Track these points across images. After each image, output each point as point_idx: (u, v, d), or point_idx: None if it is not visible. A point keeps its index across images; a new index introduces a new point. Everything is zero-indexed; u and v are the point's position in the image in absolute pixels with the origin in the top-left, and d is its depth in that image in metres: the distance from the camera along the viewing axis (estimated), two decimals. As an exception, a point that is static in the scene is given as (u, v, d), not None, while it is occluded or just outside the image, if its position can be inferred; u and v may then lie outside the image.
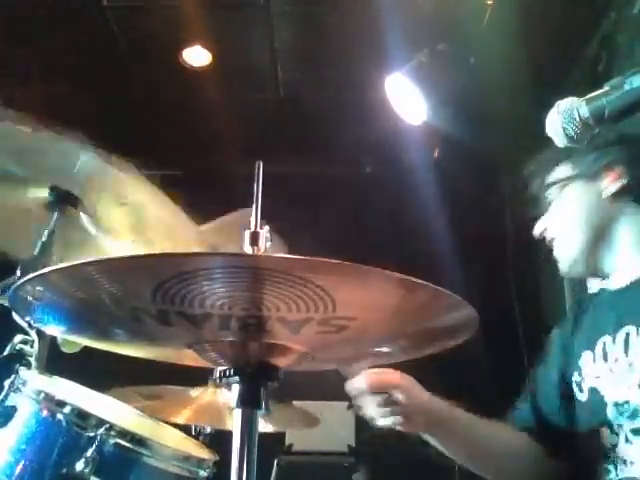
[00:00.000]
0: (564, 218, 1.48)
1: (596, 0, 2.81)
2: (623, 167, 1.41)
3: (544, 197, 1.51)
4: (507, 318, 3.49)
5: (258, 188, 0.96)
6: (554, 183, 1.48)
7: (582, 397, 1.41)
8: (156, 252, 1.40)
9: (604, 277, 1.48)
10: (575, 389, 1.43)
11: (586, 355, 1.41)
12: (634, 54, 2.54)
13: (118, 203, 1.46)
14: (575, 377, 1.43)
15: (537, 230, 1.52)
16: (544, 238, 1.51)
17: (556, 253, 1.49)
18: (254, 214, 0.94)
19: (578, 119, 0.90)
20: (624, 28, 2.67)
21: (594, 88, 0.90)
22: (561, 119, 0.92)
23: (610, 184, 1.42)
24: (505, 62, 2.81)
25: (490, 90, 2.90)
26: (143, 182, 1.38)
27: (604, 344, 1.36)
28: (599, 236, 1.43)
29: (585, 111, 0.90)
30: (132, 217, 1.49)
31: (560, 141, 0.94)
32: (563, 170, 1.49)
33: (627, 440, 1.28)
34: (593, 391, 1.37)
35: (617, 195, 1.41)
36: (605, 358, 1.35)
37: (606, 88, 0.89)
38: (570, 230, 1.46)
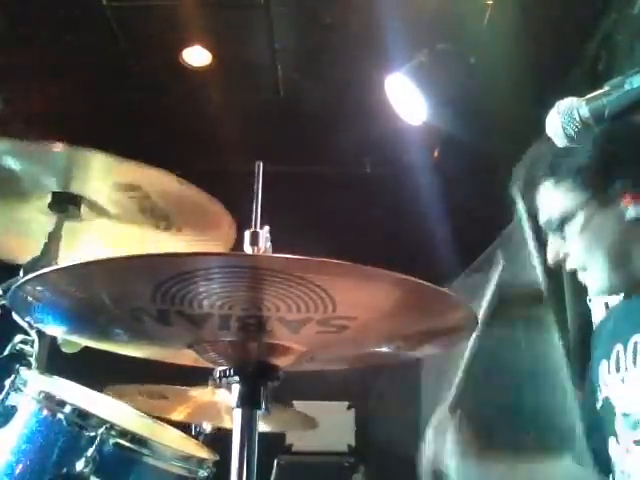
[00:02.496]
0: (585, 250, 1.35)
1: (596, 0, 2.81)
2: (637, 187, 1.31)
3: (557, 225, 1.38)
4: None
5: (258, 188, 0.96)
6: (572, 214, 1.35)
7: (598, 406, 1.39)
8: (156, 252, 1.40)
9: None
10: (595, 399, 1.41)
11: (603, 365, 1.39)
12: (634, 54, 2.54)
13: (115, 188, 1.46)
14: (595, 386, 1.42)
15: (553, 258, 1.41)
16: (560, 265, 1.41)
17: (585, 280, 1.39)
18: (254, 214, 0.94)
19: (578, 119, 0.90)
20: (624, 28, 2.67)
21: (594, 88, 0.90)
22: (561, 119, 0.91)
23: (631, 206, 1.31)
24: (505, 62, 2.81)
25: (490, 90, 2.90)
26: (140, 165, 1.38)
27: (617, 353, 1.34)
28: (626, 258, 1.33)
29: (585, 111, 0.90)
30: (137, 200, 1.49)
31: (560, 141, 0.94)
32: (567, 194, 1.37)
33: (628, 451, 1.27)
34: (606, 401, 1.36)
35: (638, 220, 1.31)
36: (618, 368, 1.34)
37: (606, 88, 0.89)
38: (598, 259, 1.34)
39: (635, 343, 1.30)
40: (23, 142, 1.32)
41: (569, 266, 1.39)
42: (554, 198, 1.38)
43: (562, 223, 1.37)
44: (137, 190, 1.45)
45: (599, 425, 1.39)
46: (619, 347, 1.34)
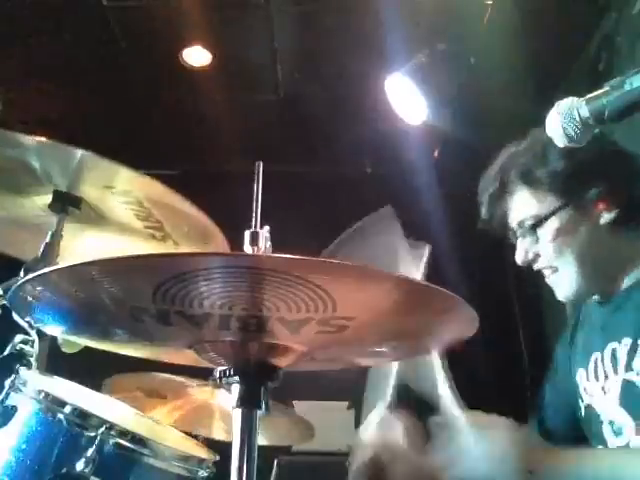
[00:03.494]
0: (560, 251, 1.37)
1: (596, 0, 2.81)
2: (612, 194, 1.33)
3: (528, 228, 1.40)
4: (507, 318, 3.49)
5: (258, 188, 0.96)
6: (545, 217, 1.37)
7: (581, 415, 1.40)
8: (156, 252, 1.40)
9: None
10: (578, 406, 1.42)
11: (581, 372, 1.40)
12: (634, 54, 2.54)
13: (117, 193, 1.46)
14: (577, 394, 1.42)
15: (521, 258, 1.42)
16: (529, 265, 1.42)
17: (551, 283, 1.41)
18: (254, 214, 0.94)
19: (578, 119, 0.90)
20: (624, 28, 2.68)
21: (594, 88, 0.90)
22: (561, 119, 0.91)
23: (604, 213, 1.34)
24: (505, 62, 2.81)
25: (490, 90, 2.90)
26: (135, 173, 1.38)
27: (595, 361, 1.35)
28: (597, 263, 1.36)
29: (585, 111, 0.90)
30: (135, 207, 1.49)
31: (560, 141, 0.94)
32: (540, 199, 1.38)
33: None
34: (589, 409, 1.37)
35: (611, 224, 1.34)
36: (597, 376, 1.34)
37: (606, 88, 0.89)
38: (569, 262, 1.37)
39: (613, 350, 1.30)
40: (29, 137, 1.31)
41: (538, 266, 1.41)
42: (528, 203, 1.40)
43: (535, 226, 1.39)
44: (131, 196, 1.45)
45: (586, 432, 1.39)
46: (597, 355, 1.35)
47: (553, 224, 1.37)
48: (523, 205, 1.41)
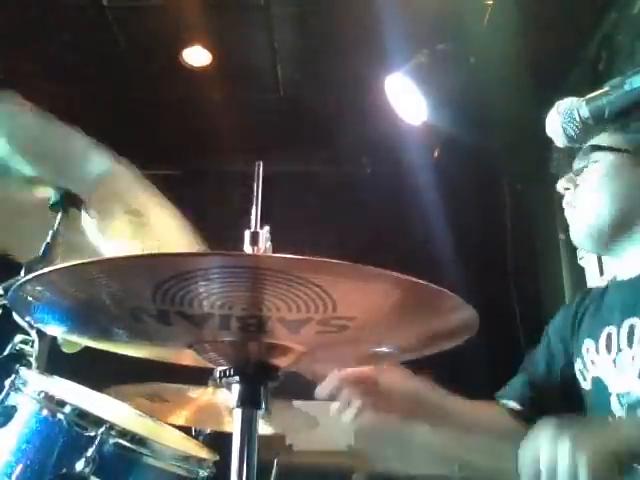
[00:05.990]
0: (597, 189, 1.38)
1: (596, 0, 2.81)
2: None
3: (588, 149, 1.40)
4: (507, 318, 3.49)
5: (258, 188, 0.96)
6: (600, 147, 1.38)
7: (586, 386, 1.40)
8: (156, 252, 1.40)
9: (615, 258, 1.44)
10: (579, 377, 1.42)
11: (589, 343, 1.39)
12: (634, 54, 2.54)
13: (123, 211, 1.46)
14: (578, 365, 1.42)
15: (560, 186, 1.43)
16: (562, 197, 1.44)
17: (573, 221, 1.42)
18: (254, 214, 0.94)
19: (578, 119, 0.90)
20: (624, 28, 2.68)
21: (594, 88, 0.90)
22: (561, 119, 0.92)
23: None
24: (505, 62, 2.81)
25: (490, 90, 2.90)
26: (149, 189, 1.38)
27: (609, 335, 1.35)
28: (626, 219, 1.36)
29: (585, 111, 0.90)
30: (135, 225, 1.49)
31: (560, 141, 0.94)
32: (614, 137, 1.39)
33: None
34: (597, 381, 1.36)
35: None
36: (609, 349, 1.34)
37: (606, 88, 0.89)
38: (599, 204, 1.37)
39: (631, 326, 1.30)
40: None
41: (569, 197, 1.42)
42: (602, 137, 1.39)
43: (596, 151, 1.38)
44: (133, 212, 1.46)
45: (588, 404, 1.39)
46: (611, 329, 1.35)
47: (611, 160, 1.37)
48: (598, 138, 1.40)
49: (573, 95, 0.92)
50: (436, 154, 3.76)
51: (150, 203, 1.42)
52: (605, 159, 1.38)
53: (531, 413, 1.41)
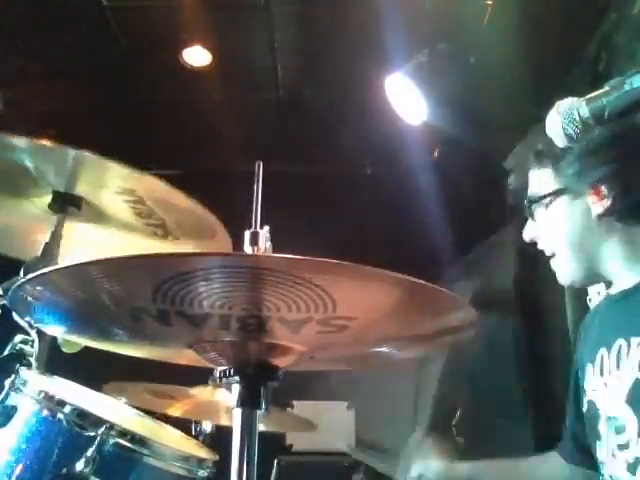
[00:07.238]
0: (554, 235, 1.40)
1: (596, 0, 2.81)
2: (607, 186, 1.31)
3: (527, 205, 1.43)
4: (506, 317, 3.49)
5: (258, 188, 0.96)
6: (540, 198, 1.40)
7: (583, 408, 1.40)
8: (156, 252, 1.40)
9: (607, 283, 1.44)
10: (582, 402, 1.42)
11: (589, 368, 1.39)
12: (634, 54, 2.54)
13: (114, 192, 1.46)
14: (582, 391, 1.42)
15: (526, 236, 1.47)
16: (535, 244, 1.46)
17: (553, 266, 1.44)
18: (254, 214, 0.94)
19: (578, 119, 0.90)
20: (624, 28, 2.67)
21: (594, 88, 0.90)
22: (561, 119, 0.92)
23: (595, 204, 1.33)
24: (505, 62, 2.80)
25: (490, 90, 2.90)
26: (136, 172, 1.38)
27: (602, 357, 1.34)
28: (590, 254, 1.37)
29: (585, 111, 0.90)
30: (136, 205, 1.49)
31: (560, 141, 0.94)
32: (546, 180, 1.40)
33: (613, 455, 1.26)
34: (590, 404, 1.37)
35: (602, 216, 1.33)
36: (602, 372, 1.34)
37: (606, 88, 0.89)
38: (563, 248, 1.39)
39: (619, 346, 1.29)
40: (28, 139, 1.32)
41: (540, 246, 1.45)
42: (538, 182, 1.42)
43: (534, 205, 1.41)
44: (132, 195, 1.45)
45: (586, 427, 1.39)
46: (603, 351, 1.34)
47: (551, 206, 1.39)
48: (533, 183, 1.43)
49: (573, 95, 0.92)
50: (436, 154, 3.76)
51: (141, 182, 1.42)
52: (549, 205, 1.40)
53: (582, 463, 1.46)
